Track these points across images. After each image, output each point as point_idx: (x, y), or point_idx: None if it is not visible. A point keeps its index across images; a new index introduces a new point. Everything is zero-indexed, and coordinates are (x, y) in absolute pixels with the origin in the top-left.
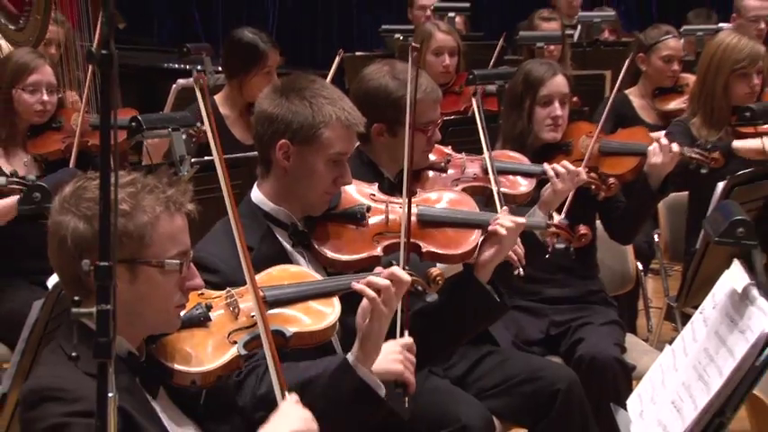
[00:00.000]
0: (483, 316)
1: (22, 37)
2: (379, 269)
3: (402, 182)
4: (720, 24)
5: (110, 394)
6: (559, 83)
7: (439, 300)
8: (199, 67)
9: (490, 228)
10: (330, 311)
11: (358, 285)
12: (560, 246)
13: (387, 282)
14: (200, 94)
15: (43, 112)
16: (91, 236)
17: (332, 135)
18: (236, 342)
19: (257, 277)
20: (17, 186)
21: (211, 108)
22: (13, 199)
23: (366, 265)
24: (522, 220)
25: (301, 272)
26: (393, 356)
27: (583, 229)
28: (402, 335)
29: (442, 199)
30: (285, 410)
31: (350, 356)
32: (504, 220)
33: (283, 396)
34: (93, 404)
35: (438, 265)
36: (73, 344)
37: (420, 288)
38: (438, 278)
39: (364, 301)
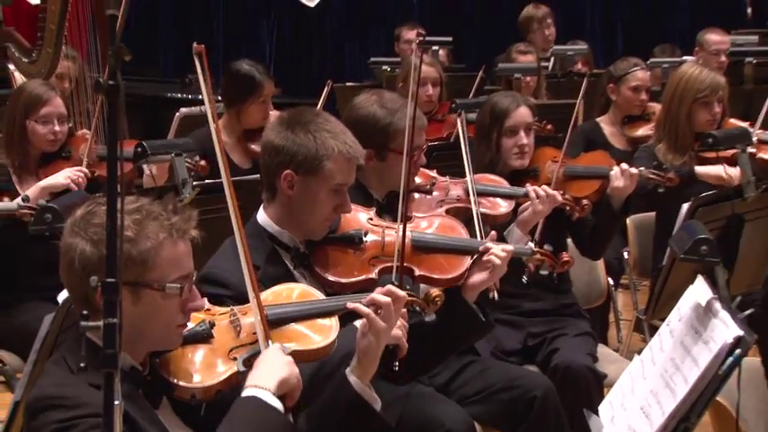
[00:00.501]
0: (469, 334)
1: (35, 69)
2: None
3: (390, 203)
4: (684, 57)
5: (116, 402)
6: (524, 113)
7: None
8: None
9: (485, 257)
10: (329, 331)
11: (351, 304)
12: (544, 272)
13: (387, 299)
14: (198, 64)
15: (55, 141)
16: (97, 259)
17: (334, 167)
18: (236, 359)
19: (263, 294)
20: (27, 211)
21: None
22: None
23: (362, 287)
24: (510, 247)
25: (306, 291)
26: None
27: (566, 256)
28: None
29: (434, 225)
30: (268, 356)
31: (348, 371)
32: (496, 250)
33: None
34: (96, 408)
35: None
36: (81, 354)
37: (419, 308)
38: (437, 299)
39: (363, 320)
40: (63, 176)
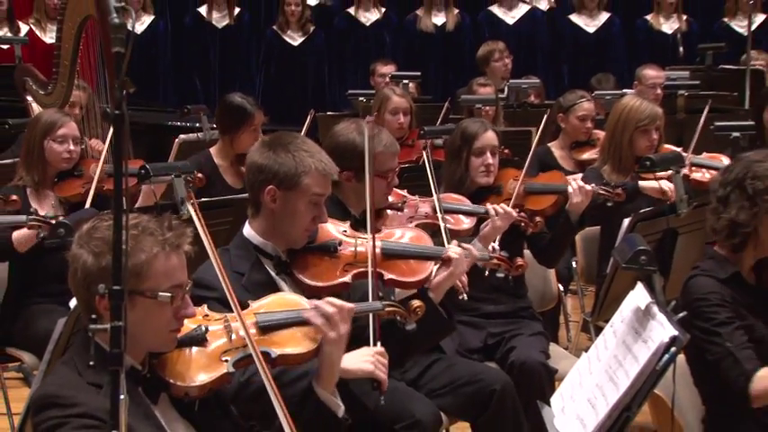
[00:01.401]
0: (434, 332)
1: (50, 100)
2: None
3: (365, 218)
4: (624, 90)
5: (121, 396)
6: (490, 137)
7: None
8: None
9: (444, 254)
10: (314, 338)
11: (306, 314)
12: (500, 275)
13: (332, 309)
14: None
15: (70, 159)
16: (96, 270)
17: (311, 182)
18: (227, 360)
19: (257, 303)
20: (36, 223)
21: (207, 158)
22: (32, 233)
23: (337, 291)
24: (469, 245)
25: (295, 300)
26: (365, 358)
27: (520, 261)
28: (375, 344)
29: (403, 235)
30: None
31: (314, 382)
32: (455, 248)
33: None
34: (89, 408)
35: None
36: (90, 354)
37: (401, 318)
38: (418, 309)
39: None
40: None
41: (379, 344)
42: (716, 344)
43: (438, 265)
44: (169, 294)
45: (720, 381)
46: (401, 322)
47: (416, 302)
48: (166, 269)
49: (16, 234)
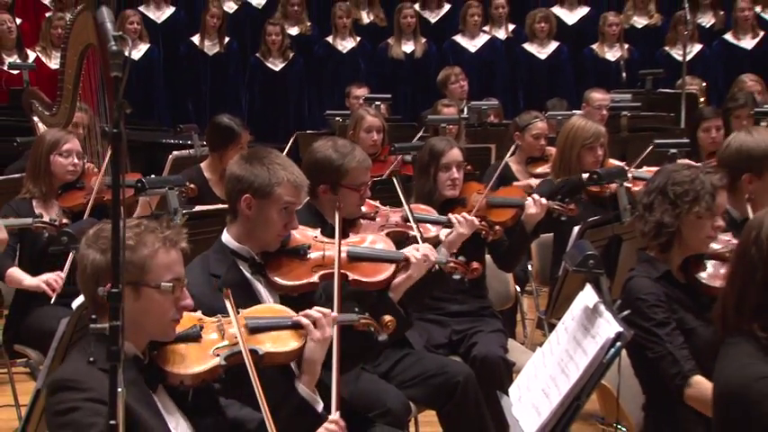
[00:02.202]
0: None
1: (55, 120)
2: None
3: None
4: (573, 111)
5: (119, 389)
6: (456, 153)
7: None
8: None
9: (403, 257)
10: (296, 339)
11: (296, 317)
12: (457, 277)
13: (318, 314)
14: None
15: (74, 172)
16: (104, 264)
17: (283, 192)
18: (219, 355)
19: (248, 310)
20: (41, 225)
21: (198, 172)
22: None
23: (306, 290)
24: (426, 245)
25: (281, 309)
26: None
27: (475, 265)
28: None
29: (366, 240)
30: None
31: (295, 379)
32: (414, 251)
33: (263, 396)
34: (101, 393)
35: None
36: (91, 350)
37: (374, 330)
38: (389, 323)
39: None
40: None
41: (338, 414)
42: (656, 343)
43: (399, 267)
44: (171, 284)
45: (658, 375)
46: (374, 333)
47: (388, 317)
48: (167, 263)
49: (12, 272)
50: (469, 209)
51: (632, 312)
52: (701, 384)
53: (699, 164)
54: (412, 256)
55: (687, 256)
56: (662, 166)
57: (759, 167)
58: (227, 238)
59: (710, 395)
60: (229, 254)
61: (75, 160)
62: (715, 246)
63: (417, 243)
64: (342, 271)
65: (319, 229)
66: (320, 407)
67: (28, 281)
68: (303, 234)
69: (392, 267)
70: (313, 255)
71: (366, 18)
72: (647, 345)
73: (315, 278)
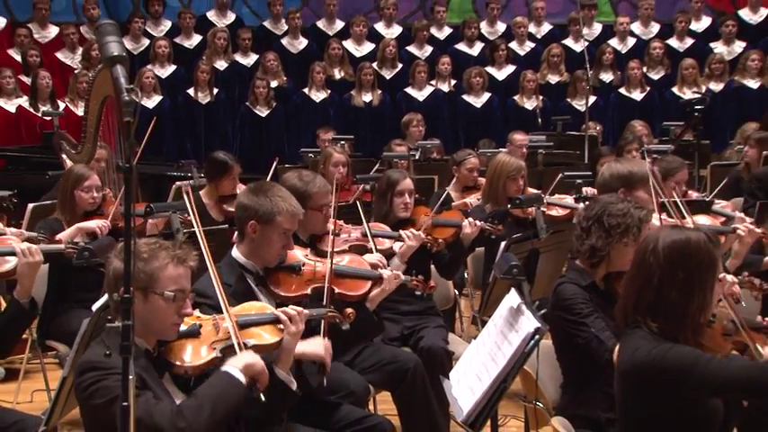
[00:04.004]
0: (369, 331)
1: (79, 158)
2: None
3: (311, 241)
4: (500, 149)
5: (130, 377)
6: (408, 182)
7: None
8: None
9: (379, 276)
10: (276, 333)
11: (277, 312)
12: (418, 293)
13: (293, 312)
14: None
15: (94, 203)
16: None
17: (283, 220)
18: (215, 348)
19: (236, 308)
20: (71, 249)
21: (197, 199)
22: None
23: (300, 300)
24: (399, 272)
25: (263, 306)
26: (319, 346)
27: (432, 283)
28: (324, 338)
29: (344, 259)
30: (243, 353)
31: (273, 364)
32: (388, 272)
33: None
34: (119, 371)
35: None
36: (107, 345)
37: (339, 321)
38: (351, 315)
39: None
40: (94, 224)
41: (326, 338)
42: (584, 331)
43: (374, 284)
44: (173, 294)
45: (585, 357)
46: (339, 323)
47: (350, 310)
48: (174, 276)
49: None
50: (418, 228)
51: (562, 310)
52: None
53: (628, 198)
54: (386, 275)
55: (610, 271)
56: (580, 195)
57: (629, 183)
58: (236, 253)
59: None
60: (237, 267)
61: (95, 194)
62: None
63: (374, 253)
64: (330, 285)
65: (309, 249)
66: (293, 386)
67: (86, 224)
68: (297, 253)
69: (369, 283)
70: (305, 271)
71: (338, 74)
72: (576, 333)
73: (308, 290)
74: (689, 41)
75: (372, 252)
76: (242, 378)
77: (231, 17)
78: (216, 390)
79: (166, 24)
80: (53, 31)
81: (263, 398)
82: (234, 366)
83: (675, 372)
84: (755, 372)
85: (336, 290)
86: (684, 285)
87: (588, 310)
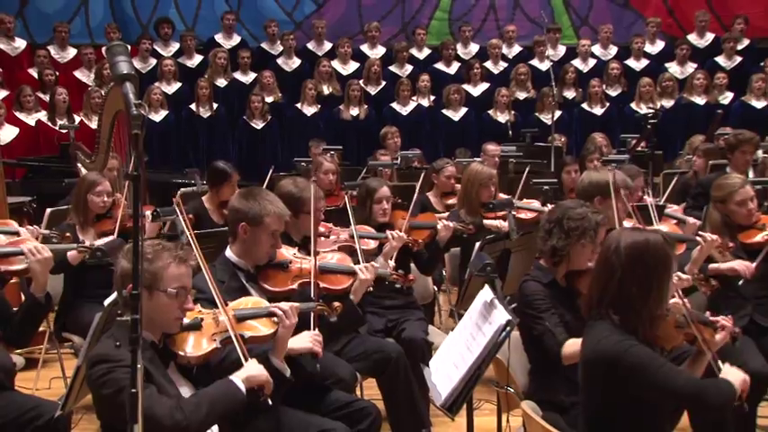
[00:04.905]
0: (353, 322)
1: (93, 166)
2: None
3: (303, 242)
4: (474, 158)
5: (138, 366)
6: (386, 190)
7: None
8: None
9: (358, 270)
10: (271, 326)
11: (272, 308)
12: (398, 285)
13: (287, 307)
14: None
15: (104, 207)
16: (129, 270)
17: (271, 221)
18: (215, 339)
19: (234, 303)
20: (84, 249)
21: (200, 204)
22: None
23: (288, 295)
24: (377, 264)
25: (259, 301)
26: (306, 340)
27: (411, 277)
28: (314, 330)
29: (333, 257)
30: (249, 364)
31: (269, 353)
32: (363, 269)
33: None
34: (128, 363)
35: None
36: (116, 338)
37: (326, 313)
38: (337, 308)
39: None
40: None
41: (316, 329)
42: (539, 324)
43: (355, 278)
44: (175, 291)
45: (542, 348)
46: (327, 316)
47: (337, 303)
48: (176, 274)
49: (70, 254)
50: (397, 229)
51: (524, 305)
52: (571, 345)
53: (588, 203)
54: (364, 269)
55: (570, 270)
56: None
57: (601, 192)
58: (229, 253)
59: (578, 349)
60: (231, 266)
61: (106, 198)
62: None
63: (361, 254)
64: (315, 281)
65: (297, 248)
66: (288, 373)
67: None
68: (285, 251)
69: (351, 278)
70: (293, 267)
71: (326, 90)
72: (533, 326)
73: (295, 286)
74: (644, 62)
75: (357, 251)
76: (242, 387)
77: (237, 39)
78: (216, 394)
79: (174, 46)
80: (71, 52)
81: (269, 402)
82: (237, 376)
83: (628, 368)
84: (697, 388)
85: (321, 284)
86: (643, 281)
87: (545, 306)
